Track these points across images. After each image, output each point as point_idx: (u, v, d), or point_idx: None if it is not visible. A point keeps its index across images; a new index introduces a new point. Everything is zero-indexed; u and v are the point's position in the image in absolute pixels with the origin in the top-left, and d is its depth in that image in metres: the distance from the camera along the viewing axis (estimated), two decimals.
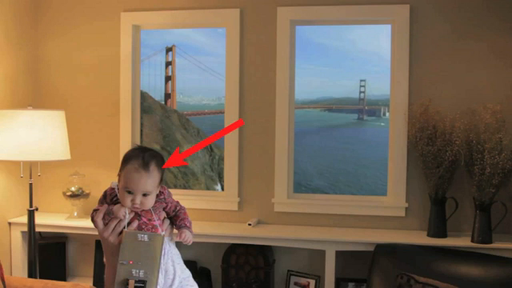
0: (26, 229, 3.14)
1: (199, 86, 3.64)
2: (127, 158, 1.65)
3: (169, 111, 3.70)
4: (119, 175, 1.67)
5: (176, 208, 1.78)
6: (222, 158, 3.53)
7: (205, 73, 3.57)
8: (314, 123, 3.63)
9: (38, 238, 3.29)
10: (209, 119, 3.70)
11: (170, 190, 1.80)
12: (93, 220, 1.65)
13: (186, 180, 3.64)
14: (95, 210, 1.66)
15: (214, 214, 3.43)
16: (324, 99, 3.54)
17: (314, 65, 3.46)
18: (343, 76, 3.44)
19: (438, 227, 3.03)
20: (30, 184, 3.08)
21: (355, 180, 3.47)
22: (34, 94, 3.53)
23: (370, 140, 3.65)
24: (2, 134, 2.90)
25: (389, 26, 3.28)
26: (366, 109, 3.48)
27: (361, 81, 3.41)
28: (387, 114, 3.40)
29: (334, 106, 3.53)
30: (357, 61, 3.42)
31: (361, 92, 3.44)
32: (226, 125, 3.42)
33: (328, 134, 3.63)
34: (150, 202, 1.65)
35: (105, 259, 1.67)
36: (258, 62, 3.35)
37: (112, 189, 1.69)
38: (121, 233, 1.61)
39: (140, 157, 1.64)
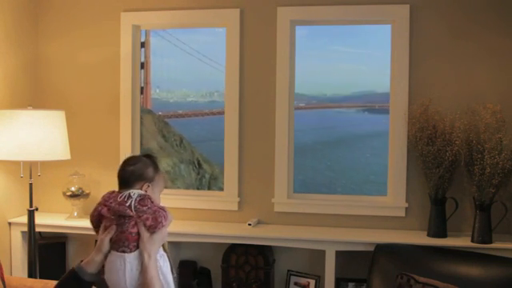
0: (26, 229, 3.14)
1: (183, 76, 2.77)
2: (157, 164, 1.86)
3: (141, 112, 3.13)
4: (151, 183, 1.80)
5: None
6: (214, 178, 2.94)
7: (190, 57, 2.79)
8: (346, 129, 2.79)
9: (38, 237, 3.29)
10: (198, 123, 2.94)
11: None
12: (100, 238, 1.73)
13: None
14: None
15: (213, 214, 3.42)
16: (363, 95, 2.82)
17: (347, 46, 2.59)
18: (389, 63, 2.55)
19: (438, 227, 3.02)
20: (30, 184, 3.08)
21: None
22: (33, 94, 3.53)
23: None
24: (2, 133, 2.90)
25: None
26: None
27: None
28: None
29: (377, 104, 2.95)
30: None
31: None
32: (226, 128, 3.37)
33: (367, 145, 2.80)
34: None
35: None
36: (258, 62, 3.35)
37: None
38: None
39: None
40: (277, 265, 3.33)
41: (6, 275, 2.71)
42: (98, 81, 3.53)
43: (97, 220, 1.78)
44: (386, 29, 2.78)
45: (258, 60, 3.35)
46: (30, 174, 3.08)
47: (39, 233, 3.39)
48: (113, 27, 3.49)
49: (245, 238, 3.11)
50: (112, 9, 3.49)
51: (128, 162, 1.83)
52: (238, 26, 3.34)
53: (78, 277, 1.72)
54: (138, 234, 1.71)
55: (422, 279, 2.53)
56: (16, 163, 3.09)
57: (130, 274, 1.68)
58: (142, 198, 1.73)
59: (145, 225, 1.71)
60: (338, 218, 3.29)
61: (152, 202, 1.74)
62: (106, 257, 1.72)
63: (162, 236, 1.74)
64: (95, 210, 1.78)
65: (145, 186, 1.78)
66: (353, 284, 3.18)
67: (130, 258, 1.69)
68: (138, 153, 3.48)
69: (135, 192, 1.74)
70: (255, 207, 3.39)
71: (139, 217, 1.71)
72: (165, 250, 1.81)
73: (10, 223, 3.31)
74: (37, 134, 2.90)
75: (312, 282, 3.23)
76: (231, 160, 3.38)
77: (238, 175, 3.38)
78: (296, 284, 3.27)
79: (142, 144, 3.46)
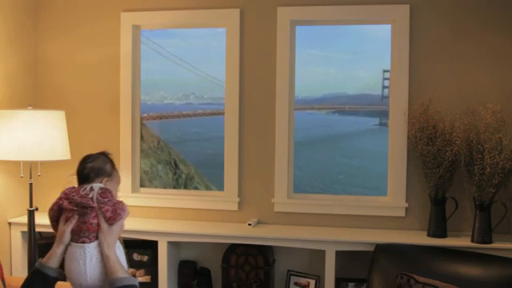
0: (26, 229, 3.14)
1: (160, 78, 2.90)
2: (113, 161, 1.98)
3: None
4: (109, 178, 1.92)
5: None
6: (190, 178, 3.08)
7: (167, 61, 2.94)
8: (318, 130, 2.91)
9: (37, 237, 3.29)
10: (174, 125, 3.03)
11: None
12: (61, 230, 1.80)
13: None
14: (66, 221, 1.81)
15: (213, 214, 3.42)
16: (333, 97, 2.91)
17: (320, 50, 2.72)
18: (360, 65, 2.72)
19: (438, 227, 3.03)
20: (30, 184, 3.09)
21: None
22: (33, 94, 3.53)
23: None
24: (2, 133, 2.90)
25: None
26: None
27: (384, 72, 2.87)
28: None
29: (346, 106, 2.97)
30: (379, 44, 2.68)
31: (384, 87, 2.88)
32: (227, 128, 3.38)
33: (337, 146, 2.96)
34: None
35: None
36: (258, 62, 3.35)
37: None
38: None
39: None
40: (277, 265, 3.33)
41: (6, 275, 2.72)
42: (98, 81, 3.53)
43: (56, 214, 1.86)
44: (357, 31, 2.66)
45: (258, 60, 3.35)
46: (30, 174, 3.08)
47: (39, 233, 3.39)
48: (113, 27, 3.49)
49: (245, 237, 3.11)
50: (112, 9, 3.49)
51: (87, 159, 1.94)
52: (237, 26, 3.34)
53: (42, 273, 1.80)
54: (98, 224, 1.80)
55: (421, 279, 2.53)
56: (16, 163, 3.09)
57: (90, 263, 1.77)
58: (104, 191, 1.84)
59: (104, 216, 1.80)
60: (338, 217, 3.29)
61: (112, 195, 1.85)
62: (66, 249, 1.81)
63: (119, 228, 1.85)
64: (55, 204, 1.86)
65: (104, 181, 1.90)
66: (353, 284, 3.18)
67: (90, 248, 1.78)
68: (137, 153, 3.49)
69: (97, 185, 1.86)
70: (255, 207, 3.39)
71: (100, 208, 1.80)
72: (120, 242, 1.90)
73: (10, 223, 3.31)
74: (37, 134, 2.90)
75: (312, 282, 3.23)
76: (231, 160, 3.38)
77: (238, 175, 3.38)
78: (296, 284, 3.27)
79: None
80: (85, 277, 1.78)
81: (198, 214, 3.42)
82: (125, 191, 3.45)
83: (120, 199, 1.89)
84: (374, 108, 2.67)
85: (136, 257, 3.38)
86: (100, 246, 1.78)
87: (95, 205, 1.80)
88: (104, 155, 1.98)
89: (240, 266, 3.18)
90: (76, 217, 1.80)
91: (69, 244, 1.81)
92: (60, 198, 1.85)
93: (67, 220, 1.81)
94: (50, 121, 2.97)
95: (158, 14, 3.43)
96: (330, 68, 2.63)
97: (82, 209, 1.80)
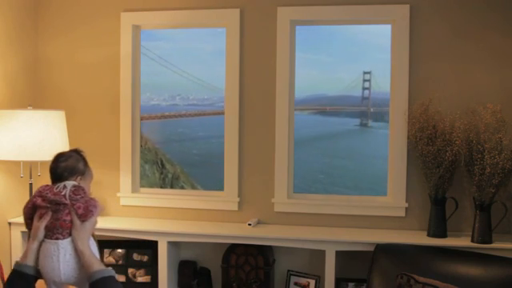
0: (25, 229, 3.13)
1: (147, 80, 3.10)
2: (86, 158, 2.00)
3: None
4: (82, 176, 1.95)
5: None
6: (176, 177, 3.20)
7: (153, 63, 3.09)
8: (299, 131, 2.98)
9: None
10: (160, 126, 3.17)
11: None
12: (36, 226, 1.84)
13: None
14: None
15: (213, 214, 3.43)
16: (314, 98, 3.01)
17: (301, 52, 2.82)
18: (341, 67, 2.80)
19: (438, 227, 3.03)
20: (30, 184, 3.09)
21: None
22: (34, 94, 3.53)
23: (376, 154, 2.99)
24: (2, 133, 2.90)
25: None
26: (371, 111, 3.01)
27: (364, 73, 2.92)
28: None
29: (327, 107, 3.05)
30: (360, 47, 2.79)
31: (364, 89, 2.94)
32: (227, 128, 3.39)
33: (319, 146, 3.03)
34: None
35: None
36: (258, 62, 3.35)
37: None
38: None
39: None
40: (277, 265, 3.33)
41: (6, 275, 2.71)
42: (98, 81, 3.53)
43: (30, 212, 1.90)
44: (340, 34, 2.74)
45: (258, 60, 3.35)
46: (30, 174, 3.08)
47: None
48: (113, 27, 3.49)
49: (245, 238, 3.12)
50: (112, 9, 3.49)
51: (60, 158, 1.96)
52: (237, 26, 3.34)
53: (21, 273, 1.82)
54: (71, 221, 1.83)
55: (421, 279, 2.53)
56: (16, 163, 3.09)
57: (63, 259, 1.80)
58: (76, 189, 1.88)
59: (77, 213, 1.84)
60: (338, 217, 3.29)
61: (85, 193, 1.89)
62: (40, 246, 1.84)
63: (92, 225, 1.88)
64: (29, 201, 1.91)
65: (78, 179, 1.94)
66: (353, 284, 3.18)
67: (64, 244, 1.82)
68: (137, 153, 3.49)
69: (70, 183, 1.90)
70: (255, 207, 3.39)
71: (73, 205, 1.84)
72: (94, 237, 1.93)
73: (10, 223, 3.31)
74: (37, 134, 2.90)
75: (312, 282, 3.23)
76: (231, 160, 3.38)
77: (238, 175, 3.38)
78: (296, 284, 3.27)
79: None
80: (58, 273, 1.80)
81: (197, 214, 3.43)
82: (125, 191, 3.45)
83: (93, 196, 1.94)
84: (355, 109, 2.79)
85: (136, 257, 3.39)
86: (74, 242, 1.82)
87: (68, 202, 1.83)
88: (76, 153, 2.00)
89: (240, 266, 3.18)
90: (50, 213, 1.83)
91: (43, 241, 1.84)
92: (34, 196, 1.89)
93: (41, 217, 1.84)
94: (49, 121, 2.97)
95: (158, 13, 3.43)
96: (313, 70, 2.75)
97: (56, 206, 1.83)
